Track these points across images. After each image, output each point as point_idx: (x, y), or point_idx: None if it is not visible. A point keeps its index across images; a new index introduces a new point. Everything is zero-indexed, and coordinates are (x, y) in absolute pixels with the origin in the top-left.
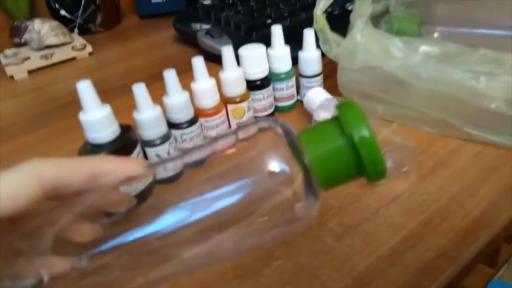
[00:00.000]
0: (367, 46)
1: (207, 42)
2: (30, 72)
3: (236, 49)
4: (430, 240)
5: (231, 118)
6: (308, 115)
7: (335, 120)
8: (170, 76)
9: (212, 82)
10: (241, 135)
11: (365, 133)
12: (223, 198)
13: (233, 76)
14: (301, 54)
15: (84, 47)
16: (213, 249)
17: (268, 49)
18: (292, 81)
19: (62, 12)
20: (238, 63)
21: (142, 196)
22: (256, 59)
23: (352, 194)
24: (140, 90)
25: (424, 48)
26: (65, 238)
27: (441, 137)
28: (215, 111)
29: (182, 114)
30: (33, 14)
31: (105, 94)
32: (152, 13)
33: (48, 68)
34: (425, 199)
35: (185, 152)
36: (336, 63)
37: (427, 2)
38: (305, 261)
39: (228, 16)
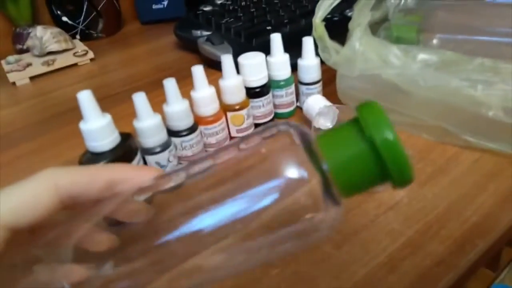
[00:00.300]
0: (365, 54)
1: (207, 49)
2: (32, 78)
3: (236, 55)
4: (429, 247)
5: (230, 126)
6: (307, 121)
7: (355, 122)
8: (170, 84)
9: (211, 90)
10: (253, 142)
11: (388, 135)
12: (237, 206)
13: (232, 84)
14: (300, 62)
15: (86, 53)
16: (231, 258)
17: (268, 57)
18: (292, 88)
19: (64, 18)
20: (238, 70)
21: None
22: (255, 66)
23: (350, 202)
24: (140, 99)
25: (422, 56)
26: (83, 248)
27: (440, 144)
28: (215, 118)
29: (182, 122)
30: (35, 20)
31: (106, 100)
32: (153, 19)
33: (50, 74)
34: (423, 207)
35: (195, 162)
36: (335, 70)
37: (426, 9)
38: (304, 269)
39: (229, 22)
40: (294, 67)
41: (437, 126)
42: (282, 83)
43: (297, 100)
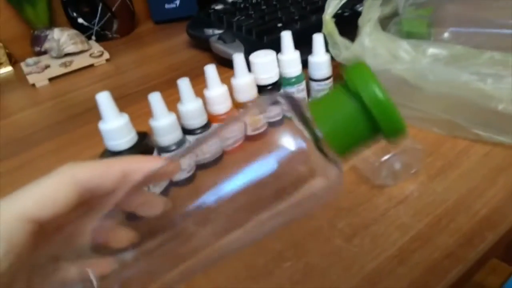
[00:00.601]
0: (375, 49)
1: (219, 47)
2: (50, 79)
3: (248, 53)
4: (438, 240)
5: None
6: None
7: (344, 84)
8: (184, 84)
9: (224, 88)
10: (248, 118)
11: (372, 90)
12: (241, 181)
13: (244, 82)
14: (311, 58)
15: (102, 54)
16: (243, 232)
17: (278, 55)
18: (303, 85)
19: (80, 20)
20: (250, 68)
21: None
22: (266, 65)
23: (361, 196)
24: (155, 99)
25: (432, 50)
26: (102, 243)
27: (450, 138)
28: (227, 116)
29: (196, 120)
30: (52, 23)
31: (122, 100)
32: (165, 19)
33: (67, 76)
34: (433, 200)
35: (198, 143)
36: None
37: (436, 3)
38: (315, 261)
39: (240, 20)
40: (305, 64)
41: (447, 120)
42: (293, 80)
43: (308, 96)
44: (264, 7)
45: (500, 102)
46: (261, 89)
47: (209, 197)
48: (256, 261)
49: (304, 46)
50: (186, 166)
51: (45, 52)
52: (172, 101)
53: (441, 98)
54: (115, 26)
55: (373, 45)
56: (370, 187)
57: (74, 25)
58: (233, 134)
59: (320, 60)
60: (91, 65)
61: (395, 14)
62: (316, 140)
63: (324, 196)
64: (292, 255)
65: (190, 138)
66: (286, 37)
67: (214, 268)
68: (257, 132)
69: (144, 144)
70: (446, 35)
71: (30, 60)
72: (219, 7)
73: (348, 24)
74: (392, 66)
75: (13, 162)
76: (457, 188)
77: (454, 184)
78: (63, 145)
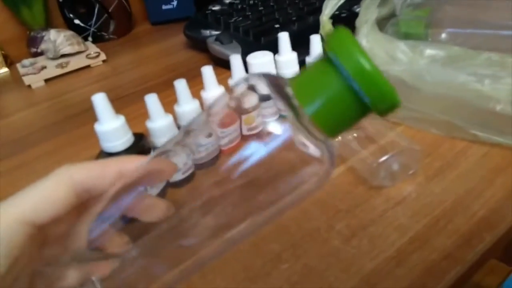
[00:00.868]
0: (372, 50)
1: (216, 48)
2: (46, 80)
3: (245, 54)
4: (436, 241)
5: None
6: None
7: (325, 56)
8: (181, 85)
9: (221, 89)
10: (232, 102)
11: (356, 60)
12: (240, 181)
13: None
14: (308, 59)
15: (98, 55)
16: (241, 228)
17: (276, 56)
18: None
19: (76, 21)
20: (247, 69)
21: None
22: (263, 65)
23: (359, 197)
24: (152, 100)
25: (429, 51)
26: (99, 247)
27: (448, 138)
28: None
29: None
30: (48, 24)
31: (119, 101)
32: (162, 20)
33: (64, 77)
34: (431, 201)
35: (186, 131)
36: None
37: (433, 4)
38: (313, 263)
39: (237, 21)
40: (302, 65)
41: (445, 120)
42: None
43: None
44: (261, 8)
45: (498, 103)
46: None
47: (207, 198)
48: (254, 262)
49: (301, 47)
50: (182, 165)
51: (41, 53)
52: (169, 102)
53: (439, 99)
54: (111, 27)
55: (370, 46)
56: (368, 188)
57: (71, 26)
58: (219, 108)
59: None
60: (88, 66)
61: (392, 15)
62: (298, 117)
63: (318, 179)
64: (290, 257)
65: None
66: (284, 38)
67: (212, 269)
68: (253, 131)
69: (140, 146)
70: (443, 36)
71: (26, 61)
72: (216, 8)
73: (345, 25)
74: (390, 67)
75: (10, 163)
76: (455, 189)
77: (452, 185)
78: (60, 146)
